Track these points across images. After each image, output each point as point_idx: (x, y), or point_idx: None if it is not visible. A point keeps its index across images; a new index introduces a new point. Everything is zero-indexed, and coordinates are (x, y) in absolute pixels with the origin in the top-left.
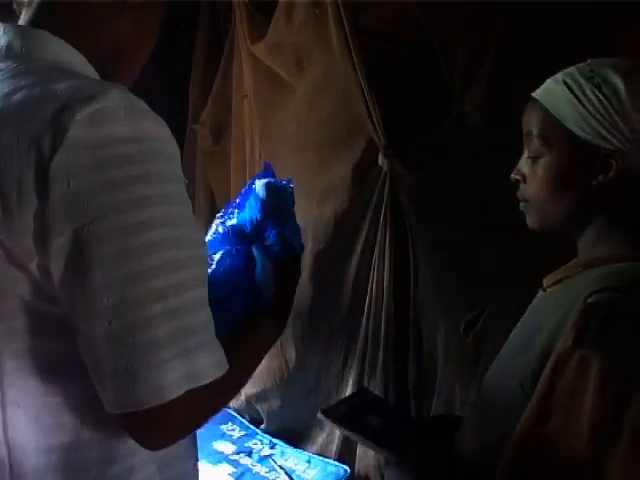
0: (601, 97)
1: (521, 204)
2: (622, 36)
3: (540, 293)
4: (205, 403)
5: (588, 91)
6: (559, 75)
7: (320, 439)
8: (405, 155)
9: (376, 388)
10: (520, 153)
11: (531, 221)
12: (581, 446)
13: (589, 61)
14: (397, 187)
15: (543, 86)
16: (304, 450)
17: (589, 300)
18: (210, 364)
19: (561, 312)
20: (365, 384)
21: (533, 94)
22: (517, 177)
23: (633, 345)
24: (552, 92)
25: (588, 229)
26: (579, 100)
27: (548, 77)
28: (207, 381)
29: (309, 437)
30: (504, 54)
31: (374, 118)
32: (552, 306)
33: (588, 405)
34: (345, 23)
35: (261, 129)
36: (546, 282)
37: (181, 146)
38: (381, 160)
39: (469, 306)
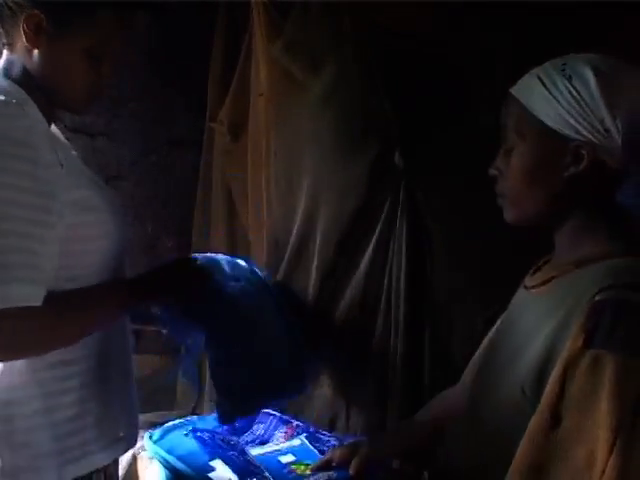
0: (571, 88)
1: (498, 199)
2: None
3: (524, 292)
4: (30, 329)
5: (559, 83)
6: (534, 70)
7: None
8: (421, 154)
9: (391, 388)
10: None
11: (508, 215)
12: (599, 449)
13: (565, 56)
14: (413, 186)
15: (519, 81)
16: None
17: (596, 299)
18: (21, 294)
19: (561, 313)
20: (379, 383)
21: (510, 89)
22: (494, 172)
23: None
24: (526, 85)
25: (566, 224)
26: (550, 92)
27: None
28: (13, 305)
29: None
30: (520, 53)
31: (390, 117)
32: (548, 307)
33: (604, 407)
34: (361, 22)
35: (276, 128)
36: (531, 282)
37: (200, 145)
38: (397, 159)
39: (485, 306)
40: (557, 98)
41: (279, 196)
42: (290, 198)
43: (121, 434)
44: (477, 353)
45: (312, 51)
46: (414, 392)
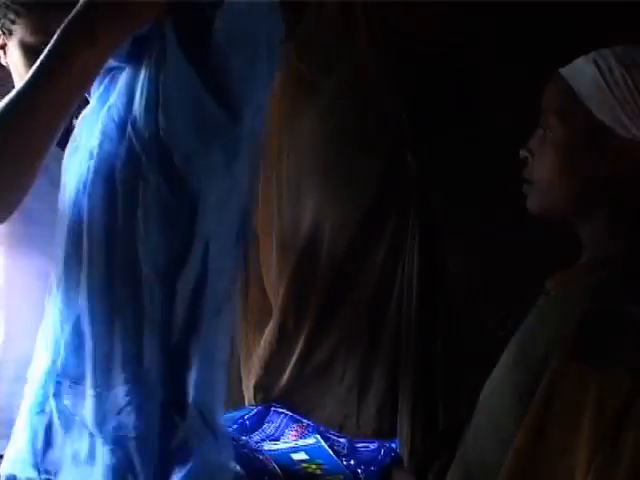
0: (630, 82)
1: (525, 186)
2: None
3: (543, 297)
4: None
5: (617, 74)
6: (591, 54)
7: None
8: (433, 154)
9: (401, 391)
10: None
11: (533, 204)
12: (578, 468)
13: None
14: (425, 187)
15: (572, 63)
16: None
17: (586, 310)
18: None
19: (559, 320)
20: (390, 389)
21: (560, 70)
22: (525, 154)
23: (633, 359)
24: (580, 70)
25: (591, 223)
26: (606, 82)
27: None
28: None
29: None
30: (535, 53)
31: (403, 117)
32: (550, 313)
33: (586, 422)
34: (374, 23)
35: (288, 128)
36: (549, 285)
37: None
38: (410, 159)
39: (499, 308)
40: (613, 91)
41: (289, 197)
42: (300, 199)
43: None
44: None
45: (324, 51)
46: (425, 395)
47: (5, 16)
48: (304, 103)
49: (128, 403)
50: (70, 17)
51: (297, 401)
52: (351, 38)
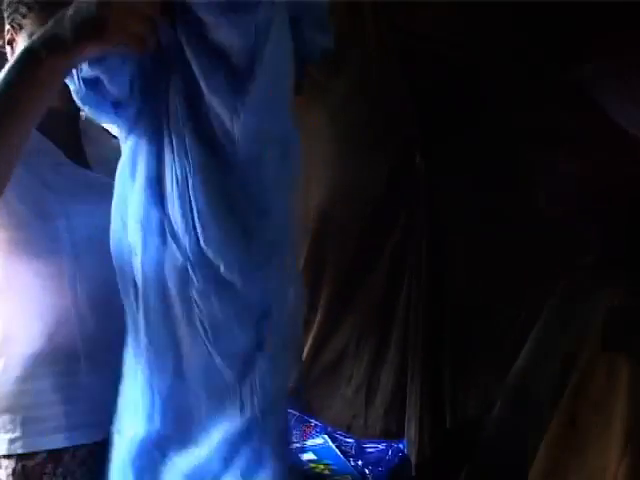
0: None
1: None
2: None
3: (560, 292)
4: None
5: None
6: None
7: None
8: (443, 155)
9: (409, 391)
10: (562, 154)
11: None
12: (612, 451)
13: None
14: (434, 188)
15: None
16: None
17: (613, 305)
18: None
19: (584, 314)
20: (398, 389)
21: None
22: None
23: None
24: None
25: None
26: None
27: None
28: None
29: None
30: (544, 53)
31: (411, 118)
32: (572, 308)
33: (620, 407)
34: (382, 23)
35: (299, 129)
36: (565, 283)
37: None
38: (418, 160)
39: (509, 308)
40: None
41: (298, 197)
42: (309, 200)
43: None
44: None
45: (333, 52)
46: (433, 395)
47: (16, 11)
48: (314, 104)
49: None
50: (50, 23)
51: (305, 401)
52: (360, 38)
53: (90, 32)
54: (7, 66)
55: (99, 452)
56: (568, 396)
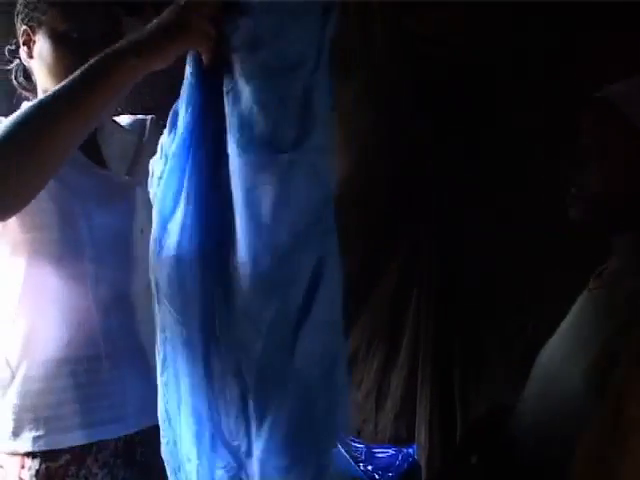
0: None
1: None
2: None
3: (586, 294)
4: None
5: None
6: None
7: None
8: (452, 158)
9: (419, 397)
10: (570, 156)
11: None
12: None
13: None
14: (444, 187)
15: (620, 88)
16: None
17: None
18: None
19: (624, 312)
20: (407, 394)
21: (602, 95)
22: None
23: None
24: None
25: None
26: None
27: (595, 77)
28: None
29: None
30: (551, 55)
31: (421, 121)
32: (611, 305)
33: None
34: (391, 25)
35: None
36: (594, 284)
37: None
38: (428, 162)
39: (519, 311)
40: None
41: None
42: None
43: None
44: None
45: (343, 54)
46: (443, 401)
47: (36, 9)
48: None
49: None
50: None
51: None
52: (369, 40)
53: (175, 34)
54: (85, 67)
55: (121, 455)
56: (612, 390)
